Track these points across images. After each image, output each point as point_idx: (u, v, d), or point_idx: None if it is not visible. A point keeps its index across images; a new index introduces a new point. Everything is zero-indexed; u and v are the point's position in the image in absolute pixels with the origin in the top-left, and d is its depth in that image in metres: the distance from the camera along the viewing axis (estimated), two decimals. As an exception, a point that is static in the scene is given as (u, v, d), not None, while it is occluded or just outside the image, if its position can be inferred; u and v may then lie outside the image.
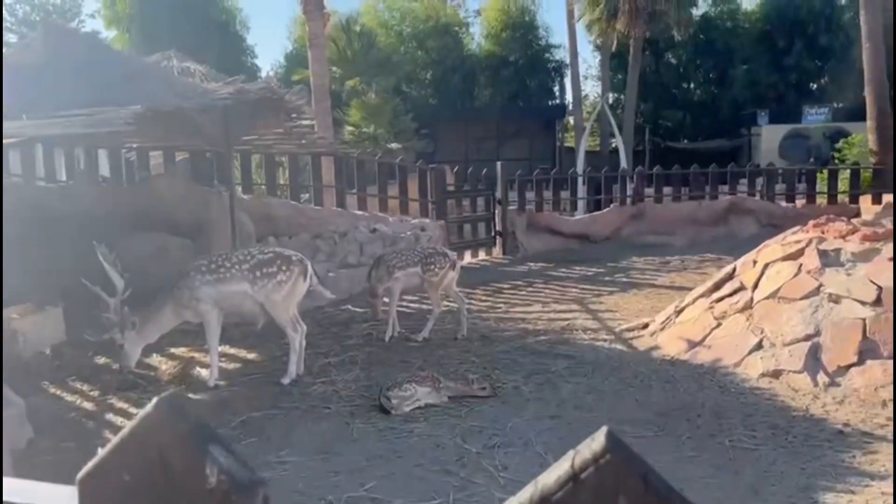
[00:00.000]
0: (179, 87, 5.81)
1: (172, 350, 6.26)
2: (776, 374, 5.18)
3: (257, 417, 4.71)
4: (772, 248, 6.21)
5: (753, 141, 25.48)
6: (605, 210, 12.38)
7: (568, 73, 27.21)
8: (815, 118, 24.42)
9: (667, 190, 12.87)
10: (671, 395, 5.01)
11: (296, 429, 4.51)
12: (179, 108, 5.44)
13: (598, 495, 0.49)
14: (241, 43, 28.12)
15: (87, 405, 5.11)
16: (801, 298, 5.48)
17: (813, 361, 5.10)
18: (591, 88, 32.93)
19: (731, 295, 6.11)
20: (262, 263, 5.43)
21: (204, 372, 5.63)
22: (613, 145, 23.29)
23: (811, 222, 6.25)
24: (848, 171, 13.41)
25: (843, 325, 5.14)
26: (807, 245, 5.84)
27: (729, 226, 12.29)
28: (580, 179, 13.72)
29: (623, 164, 19.28)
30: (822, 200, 12.73)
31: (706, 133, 27.17)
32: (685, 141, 27.26)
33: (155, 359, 6.05)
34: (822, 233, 5.94)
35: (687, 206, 12.53)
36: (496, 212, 11.93)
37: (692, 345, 5.91)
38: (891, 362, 4.82)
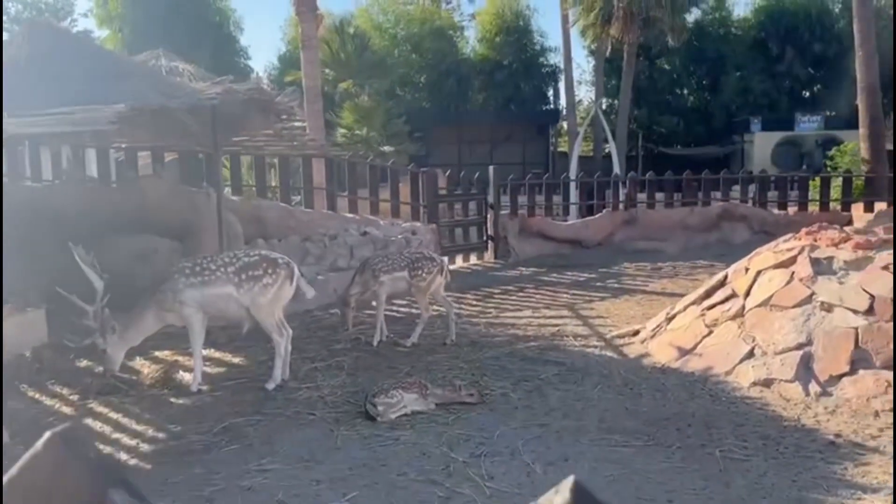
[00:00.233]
0: (166, 87, 5.71)
1: (156, 353, 6.16)
2: (767, 383, 5.12)
3: (240, 423, 4.61)
4: (764, 255, 6.15)
5: (746, 148, 25.56)
6: (597, 215, 12.33)
7: (562, 77, 27.27)
8: (808, 126, 24.52)
9: (659, 196, 12.84)
10: (661, 404, 4.94)
11: (279, 435, 4.41)
12: (165, 108, 5.35)
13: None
14: (235, 44, 28.07)
15: (66, 409, 4.99)
16: (794, 307, 5.42)
17: (805, 370, 5.04)
18: (585, 94, 33.07)
19: (722, 302, 6.05)
20: (248, 266, 5.33)
21: (187, 376, 5.52)
22: (607, 151, 23.29)
23: (804, 230, 6.20)
24: (840, 178, 13.42)
25: (835, 334, 5.09)
26: (799, 253, 5.79)
27: (721, 232, 12.27)
28: (573, 184, 13.68)
29: (616, 169, 19.28)
30: (814, 208, 12.72)
31: (699, 139, 27.25)
32: (678, 147, 27.29)
33: (138, 362, 5.94)
34: (815, 240, 5.89)
35: (679, 212, 12.50)
36: (488, 216, 11.87)
37: (683, 352, 5.84)
38: (883, 372, 4.77)
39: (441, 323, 6.97)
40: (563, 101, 27.63)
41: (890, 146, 16.34)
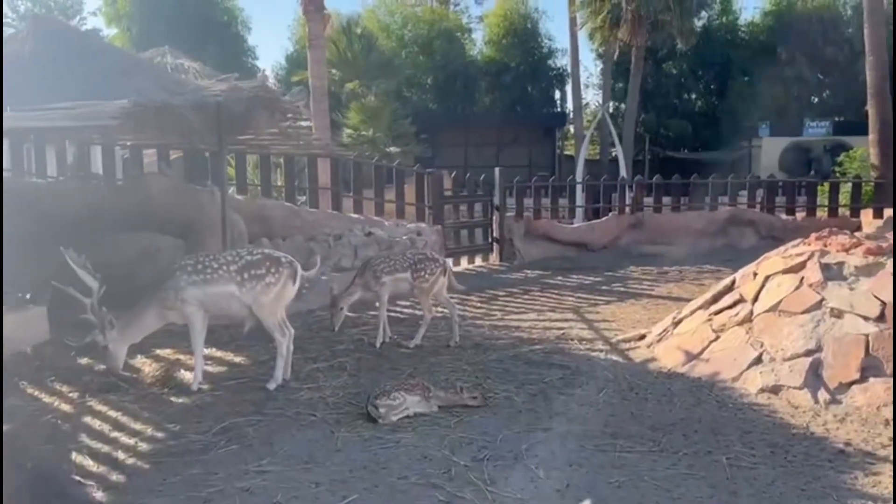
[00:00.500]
0: (171, 84, 5.68)
1: (157, 352, 6.11)
2: (776, 389, 5.04)
3: (240, 423, 4.56)
4: (773, 260, 6.07)
5: (754, 152, 25.44)
6: (603, 218, 12.26)
7: (569, 81, 27.22)
8: (817, 131, 24.39)
9: (666, 200, 12.77)
10: (667, 409, 4.87)
11: (279, 436, 4.36)
12: (168, 104, 5.31)
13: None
14: (242, 43, 28.12)
15: (65, 407, 4.94)
16: (803, 312, 5.34)
17: (814, 377, 4.96)
18: (592, 97, 32.96)
19: (730, 307, 5.97)
20: (251, 265, 5.28)
21: (188, 375, 5.47)
22: (613, 154, 23.24)
23: (813, 235, 6.11)
24: (849, 184, 13.31)
25: (845, 340, 5.01)
26: (809, 258, 5.71)
27: (728, 237, 12.18)
28: (579, 187, 13.60)
29: (623, 173, 19.20)
30: (822, 213, 12.61)
31: (706, 144, 27.13)
32: (685, 151, 27.19)
33: (139, 360, 5.90)
34: (825, 246, 5.81)
35: (686, 216, 12.42)
36: (494, 218, 11.81)
37: (690, 357, 5.77)
38: (892, 380, 4.68)
39: (444, 325, 6.91)
40: (569, 104, 27.67)
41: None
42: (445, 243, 10.91)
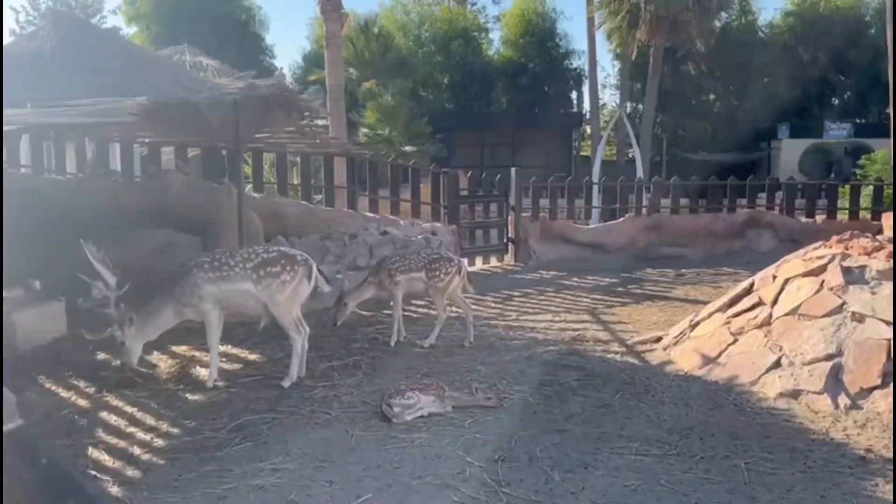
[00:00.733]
0: (189, 81, 5.70)
1: (173, 348, 6.14)
2: (795, 394, 4.97)
3: (254, 421, 4.57)
4: (793, 263, 5.99)
5: (773, 154, 25.18)
6: (619, 220, 12.16)
7: (586, 81, 27.06)
8: (837, 133, 24.08)
9: (683, 201, 12.64)
10: (684, 413, 4.82)
11: (293, 434, 4.36)
12: (186, 101, 5.33)
13: None
14: (260, 42, 28.22)
15: (82, 402, 4.98)
16: (823, 316, 5.27)
17: (834, 382, 4.89)
18: (609, 97, 32.79)
19: (748, 310, 5.90)
20: (267, 262, 5.29)
21: (203, 372, 5.50)
22: (630, 155, 23.07)
23: (834, 238, 6.03)
24: (871, 186, 13.11)
25: (866, 345, 4.93)
26: (830, 261, 5.63)
27: (746, 240, 12.05)
28: (595, 188, 13.52)
29: (639, 174, 19.06)
30: (842, 216, 12.44)
31: (725, 145, 26.84)
32: (703, 153, 26.94)
33: (155, 357, 5.93)
34: (846, 249, 5.73)
35: (704, 218, 12.29)
36: (509, 218, 11.77)
37: (707, 360, 5.70)
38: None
39: (459, 325, 6.89)
40: (586, 105, 27.44)
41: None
42: (460, 243, 10.88)
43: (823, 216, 12.51)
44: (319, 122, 8.56)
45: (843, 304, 5.23)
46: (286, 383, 5.24)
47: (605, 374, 5.61)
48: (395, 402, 4.57)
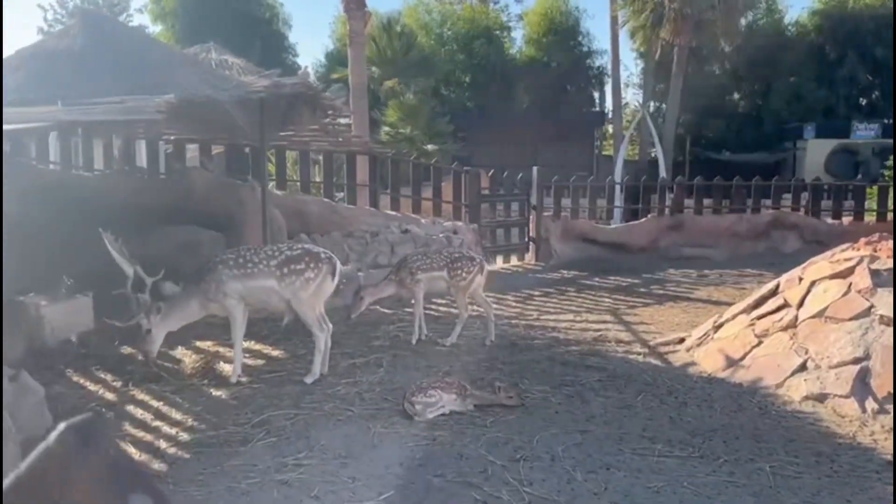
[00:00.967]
0: (214, 79, 5.75)
1: (198, 343, 6.21)
2: (821, 397, 4.91)
3: (277, 416, 4.60)
4: (819, 264, 5.92)
5: (798, 155, 24.81)
6: (642, 220, 12.09)
7: (609, 80, 26.89)
8: (865, 134, 23.66)
9: (707, 202, 12.53)
10: (707, 415, 4.78)
11: (316, 430, 4.39)
12: (212, 99, 5.38)
13: None
14: (283, 41, 28.38)
15: (109, 395, 5.06)
16: (850, 319, 5.19)
17: (861, 386, 4.82)
18: (632, 96, 32.54)
19: (773, 312, 5.84)
20: (291, 260, 5.33)
21: (227, 367, 5.55)
22: (653, 155, 22.89)
23: (863, 240, 5.94)
24: (899, 188, 12.91)
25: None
26: (858, 263, 5.55)
27: (771, 241, 11.92)
28: (618, 188, 13.44)
29: (662, 173, 18.92)
30: (870, 218, 12.26)
31: (749, 145, 26.51)
32: (727, 153, 26.63)
33: (180, 352, 6.00)
34: (875, 251, 5.64)
35: (727, 218, 12.18)
36: (531, 217, 11.74)
37: (731, 362, 5.65)
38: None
39: (480, 323, 6.89)
40: (609, 104, 27.27)
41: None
42: (481, 242, 10.88)
43: (850, 218, 12.33)
44: (342, 120, 8.59)
45: (871, 307, 5.16)
46: (309, 380, 5.28)
47: (627, 375, 5.58)
48: (416, 400, 4.58)
